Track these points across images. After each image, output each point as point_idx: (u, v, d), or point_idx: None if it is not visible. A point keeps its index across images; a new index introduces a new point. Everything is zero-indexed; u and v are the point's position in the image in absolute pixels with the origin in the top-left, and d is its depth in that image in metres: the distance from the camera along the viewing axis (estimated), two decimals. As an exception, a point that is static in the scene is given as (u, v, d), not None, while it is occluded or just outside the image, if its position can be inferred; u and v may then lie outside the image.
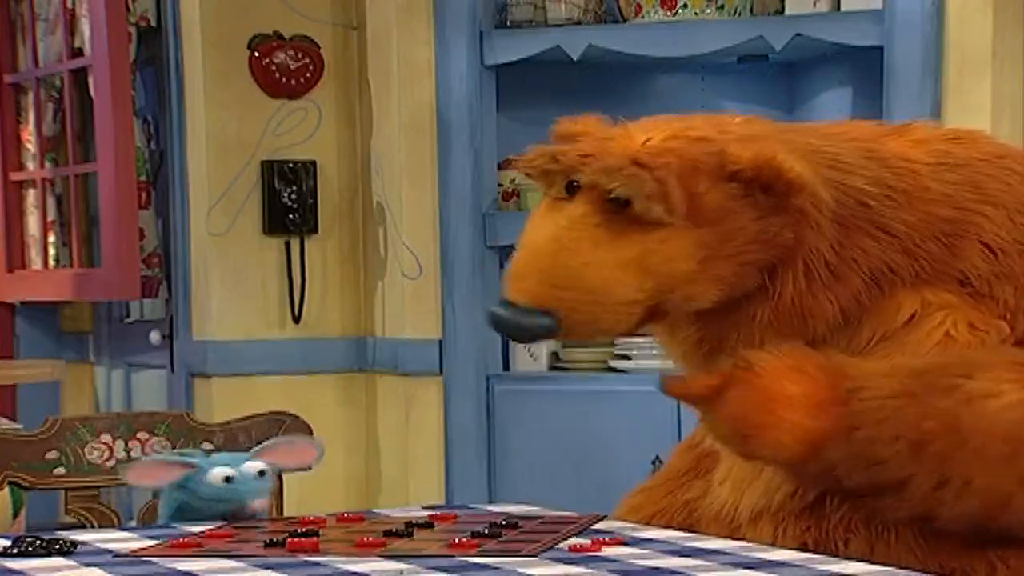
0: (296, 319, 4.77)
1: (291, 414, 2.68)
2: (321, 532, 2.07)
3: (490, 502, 4.21)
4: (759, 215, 2.12)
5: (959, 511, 2.05)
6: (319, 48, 4.78)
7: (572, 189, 2.16)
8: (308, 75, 4.77)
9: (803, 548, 2.09)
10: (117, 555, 1.96)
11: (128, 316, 5.69)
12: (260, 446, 2.32)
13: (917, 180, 2.19)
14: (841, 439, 2.06)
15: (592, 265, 2.10)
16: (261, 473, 2.23)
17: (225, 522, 2.20)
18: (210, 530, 2.13)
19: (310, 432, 2.60)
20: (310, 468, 2.36)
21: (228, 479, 2.20)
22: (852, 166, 2.18)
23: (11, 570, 1.85)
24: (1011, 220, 2.20)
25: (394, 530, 2.06)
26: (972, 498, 2.04)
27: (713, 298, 2.13)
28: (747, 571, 1.79)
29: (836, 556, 2.03)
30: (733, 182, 2.11)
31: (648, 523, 2.28)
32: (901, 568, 1.90)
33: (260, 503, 2.21)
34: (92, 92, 5.01)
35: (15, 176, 5.56)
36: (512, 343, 4.50)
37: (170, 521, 2.25)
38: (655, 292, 2.11)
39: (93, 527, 2.54)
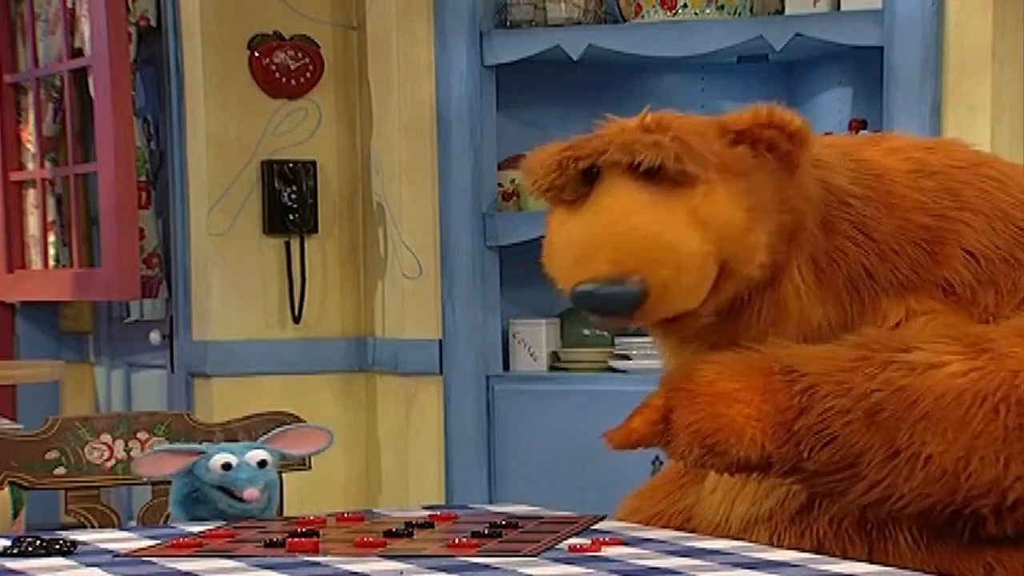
0: (296, 319, 4.77)
1: (291, 414, 2.69)
2: (321, 532, 2.07)
3: (490, 502, 4.21)
4: (772, 177, 2.11)
5: (916, 483, 2.04)
6: (319, 48, 4.78)
7: (591, 177, 2.12)
8: (308, 75, 4.77)
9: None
10: (117, 555, 1.96)
11: (128, 316, 5.69)
12: (270, 433, 2.36)
13: (893, 187, 2.19)
14: (796, 417, 2.05)
15: (661, 223, 2.06)
16: (262, 464, 2.26)
17: (224, 515, 2.23)
18: (210, 530, 2.13)
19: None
20: (323, 451, 2.39)
21: (226, 466, 2.24)
22: (834, 165, 2.19)
23: (11, 570, 1.85)
24: (991, 227, 2.19)
25: (394, 530, 2.06)
26: (927, 466, 2.03)
27: (765, 257, 2.10)
28: (747, 571, 1.79)
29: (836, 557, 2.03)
30: (739, 144, 2.10)
31: (646, 525, 2.28)
32: (900, 568, 1.90)
33: (250, 492, 2.23)
34: (92, 92, 5.01)
35: (15, 176, 5.56)
36: (512, 343, 4.50)
37: (181, 509, 2.28)
38: (720, 244, 2.06)
39: (93, 527, 2.54)
